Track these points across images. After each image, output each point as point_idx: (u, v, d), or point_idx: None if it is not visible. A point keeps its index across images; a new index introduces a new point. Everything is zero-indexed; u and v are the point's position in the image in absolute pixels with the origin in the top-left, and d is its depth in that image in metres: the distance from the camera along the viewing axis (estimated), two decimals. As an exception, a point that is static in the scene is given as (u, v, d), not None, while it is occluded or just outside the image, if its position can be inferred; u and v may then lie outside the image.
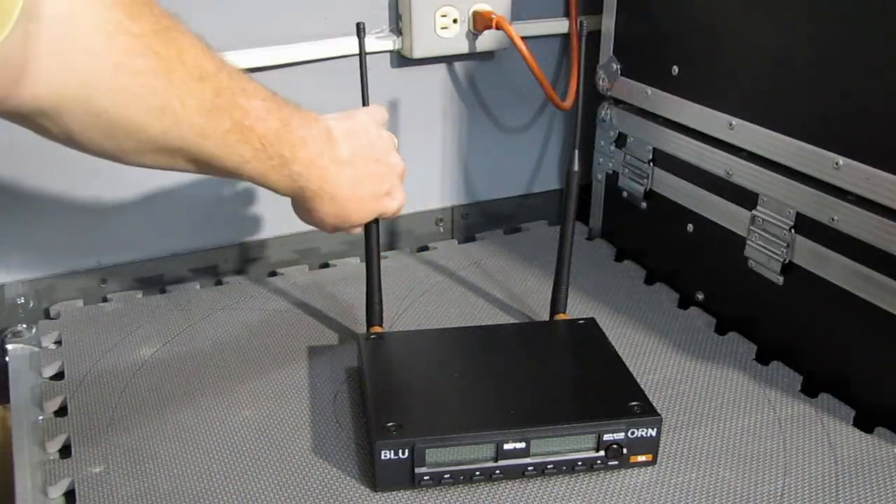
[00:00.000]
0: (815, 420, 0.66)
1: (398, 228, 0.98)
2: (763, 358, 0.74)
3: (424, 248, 0.98)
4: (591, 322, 0.72)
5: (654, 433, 0.60)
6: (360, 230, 0.69)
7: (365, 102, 0.73)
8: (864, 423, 0.66)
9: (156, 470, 0.60)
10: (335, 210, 0.62)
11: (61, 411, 0.67)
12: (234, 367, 0.72)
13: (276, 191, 0.59)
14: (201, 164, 0.54)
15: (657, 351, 0.75)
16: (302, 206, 0.62)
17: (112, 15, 0.44)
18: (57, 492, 0.59)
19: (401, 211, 0.70)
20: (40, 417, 0.67)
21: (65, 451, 0.63)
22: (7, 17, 0.38)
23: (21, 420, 0.66)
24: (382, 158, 0.66)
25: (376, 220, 0.71)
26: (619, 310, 0.82)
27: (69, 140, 0.48)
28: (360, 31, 0.72)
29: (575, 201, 0.77)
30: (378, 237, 0.72)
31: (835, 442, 0.64)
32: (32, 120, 0.46)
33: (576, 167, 0.76)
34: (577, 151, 0.76)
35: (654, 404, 0.60)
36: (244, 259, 0.91)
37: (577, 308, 0.81)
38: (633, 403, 0.60)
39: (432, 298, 0.84)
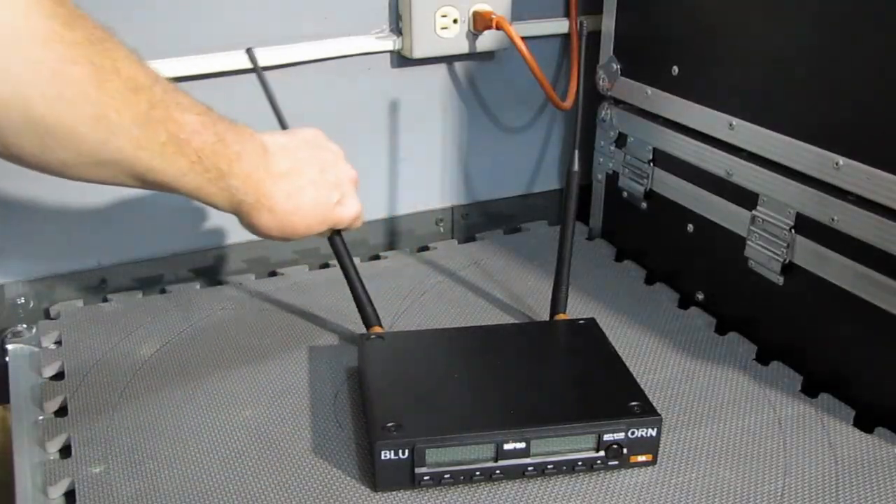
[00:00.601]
0: (816, 420, 0.66)
1: (398, 228, 0.98)
2: (763, 358, 0.74)
3: (424, 248, 0.98)
4: (592, 322, 0.72)
5: (654, 433, 0.60)
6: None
7: (283, 125, 0.73)
8: (865, 423, 0.66)
9: (156, 470, 0.60)
10: (276, 223, 0.63)
11: (61, 411, 0.67)
12: (235, 367, 0.72)
13: (214, 205, 0.60)
14: (140, 178, 0.54)
15: (657, 351, 0.75)
16: (244, 220, 0.63)
17: (49, 24, 0.46)
18: (57, 492, 0.59)
19: (360, 220, 0.70)
20: (40, 417, 0.67)
21: (65, 451, 0.63)
22: None
23: (21, 420, 0.66)
24: (328, 168, 0.67)
25: (338, 232, 0.71)
26: (619, 310, 0.82)
27: (6, 151, 0.48)
28: (251, 56, 0.73)
29: (575, 201, 0.77)
30: (343, 245, 0.72)
31: (835, 442, 0.64)
32: None
33: (576, 167, 0.76)
34: (577, 151, 0.76)
35: (655, 404, 0.60)
36: (244, 259, 0.91)
37: (577, 308, 0.81)
38: (634, 403, 0.60)
39: (432, 298, 0.84)
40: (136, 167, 0.53)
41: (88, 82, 0.48)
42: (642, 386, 0.63)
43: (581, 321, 0.72)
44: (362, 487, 0.59)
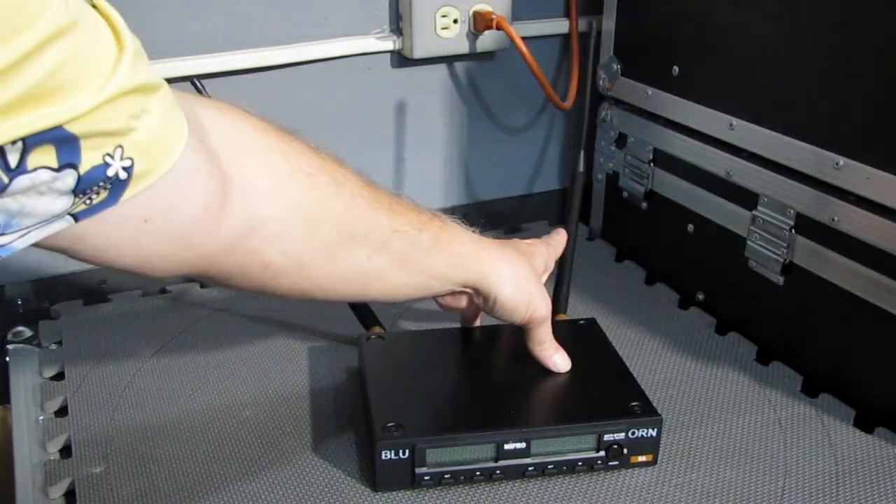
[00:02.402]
0: (816, 420, 0.66)
1: (398, 228, 0.98)
2: (763, 358, 0.74)
3: (425, 249, 0.97)
4: (592, 322, 0.72)
5: (654, 433, 0.60)
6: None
7: None
8: (865, 423, 0.66)
9: (156, 470, 0.60)
10: None
11: (61, 411, 0.67)
12: (235, 367, 0.72)
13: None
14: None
15: (657, 351, 0.75)
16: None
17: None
18: (57, 492, 0.59)
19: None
20: (40, 417, 0.67)
21: (65, 451, 0.63)
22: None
23: (21, 420, 0.66)
24: None
25: None
26: (619, 310, 0.82)
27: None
28: (196, 85, 0.72)
29: (579, 202, 0.77)
30: None
31: (835, 442, 0.64)
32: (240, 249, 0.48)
33: (581, 168, 0.76)
34: (582, 152, 0.76)
35: (655, 404, 0.60)
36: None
37: (577, 308, 0.81)
38: (634, 404, 0.60)
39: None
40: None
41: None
42: (642, 386, 0.63)
43: (581, 321, 0.72)
44: (362, 487, 0.59)
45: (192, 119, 0.42)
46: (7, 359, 0.75)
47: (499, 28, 0.87)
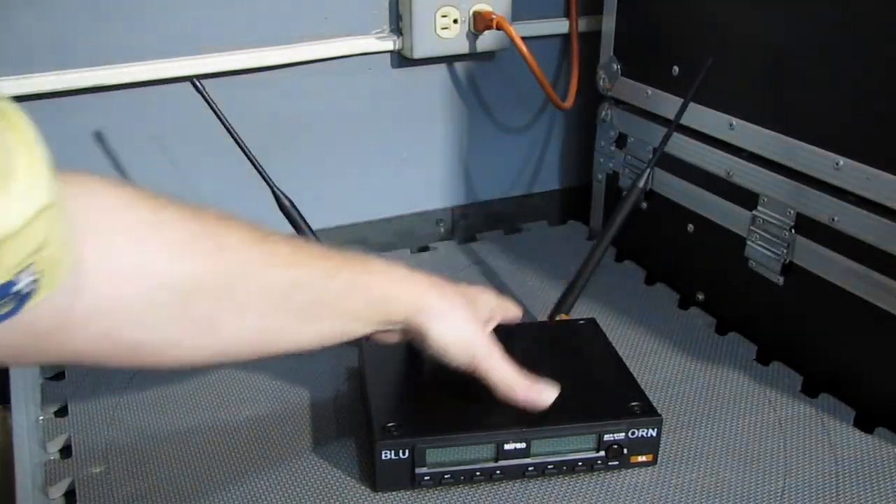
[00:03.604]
0: (816, 420, 0.66)
1: (398, 228, 0.98)
2: (763, 358, 0.74)
3: (424, 249, 0.98)
4: (592, 322, 0.71)
5: (654, 433, 0.60)
6: None
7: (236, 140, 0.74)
8: (865, 423, 0.66)
9: (156, 470, 0.60)
10: None
11: (61, 411, 0.67)
12: (235, 367, 0.72)
13: None
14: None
15: (657, 351, 0.75)
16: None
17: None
18: (57, 492, 0.59)
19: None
20: (40, 417, 0.67)
21: (65, 451, 0.63)
22: None
23: (21, 420, 0.66)
24: None
25: None
26: (619, 310, 0.82)
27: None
28: (196, 85, 0.72)
29: (625, 216, 0.76)
30: None
31: (835, 442, 0.64)
32: None
33: (641, 184, 0.76)
34: (648, 170, 0.76)
35: (655, 404, 0.60)
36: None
37: (577, 308, 0.81)
38: (634, 404, 0.60)
39: (432, 298, 0.84)
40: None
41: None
42: (642, 386, 0.63)
43: (581, 321, 0.72)
44: (362, 487, 0.59)
45: None
46: (7, 359, 0.75)
47: (499, 28, 0.87)
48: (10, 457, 0.62)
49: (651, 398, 0.61)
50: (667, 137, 0.76)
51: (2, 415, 0.75)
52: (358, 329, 0.56)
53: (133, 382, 0.70)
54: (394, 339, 0.60)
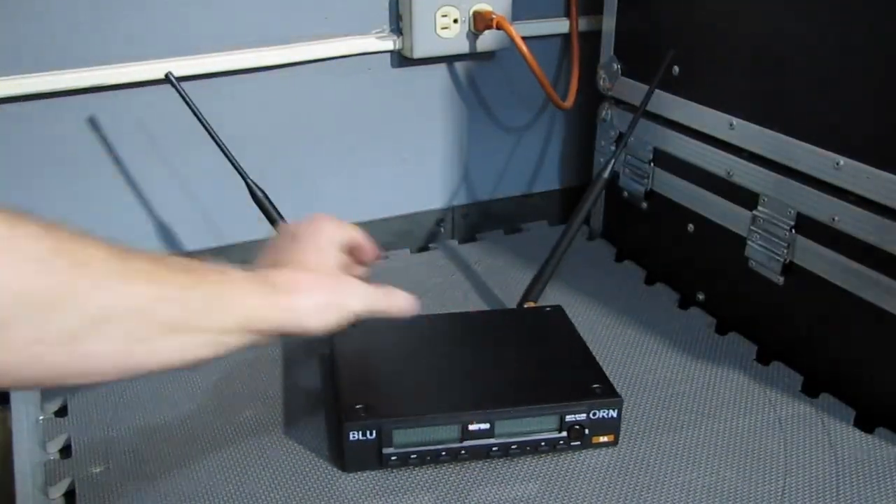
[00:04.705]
0: (816, 420, 0.66)
1: (398, 228, 0.98)
2: (763, 358, 0.74)
3: (425, 248, 0.98)
4: (558, 309, 0.73)
5: (615, 414, 0.61)
6: None
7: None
8: (865, 423, 0.66)
9: (156, 470, 0.60)
10: None
11: (61, 411, 0.67)
12: (234, 368, 0.72)
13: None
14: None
15: (657, 351, 0.75)
16: None
17: None
18: (57, 492, 0.59)
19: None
20: (40, 417, 0.67)
21: (65, 451, 0.63)
22: None
23: (21, 420, 0.66)
24: None
25: None
26: (619, 310, 0.82)
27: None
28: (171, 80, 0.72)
29: (590, 204, 0.80)
30: None
31: (835, 442, 0.64)
32: None
33: (607, 174, 0.80)
34: (613, 160, 0.80)
35: (654, 404, 0.61)
36: (244, 259, 0.91)
37: (576, 307, 0.81)
38: (595, 386, 0.62)
39: (433, 299, 0.84)
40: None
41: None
42: (642, 386, 0.63)
43: (548, 308, 0.73)
44: (333, 469, 0.60)
45: None
46: (7, 359, 0.75)
47: (499, 28, 0.87)
48: (10, 457, 0.62)
49: (651, 398, 0.61)
50: (633, 123, 0.79)
51: (2, 415, 0.75)
52: (231, 341, 0.54)
53: (133, 382, 0.70)
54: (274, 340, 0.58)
